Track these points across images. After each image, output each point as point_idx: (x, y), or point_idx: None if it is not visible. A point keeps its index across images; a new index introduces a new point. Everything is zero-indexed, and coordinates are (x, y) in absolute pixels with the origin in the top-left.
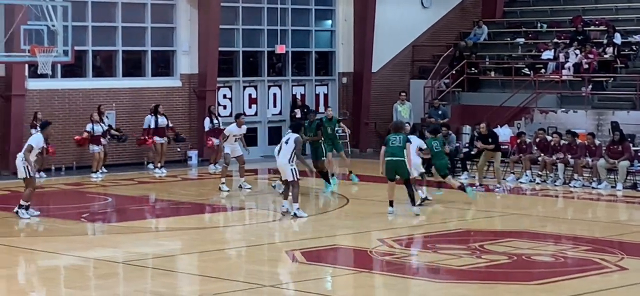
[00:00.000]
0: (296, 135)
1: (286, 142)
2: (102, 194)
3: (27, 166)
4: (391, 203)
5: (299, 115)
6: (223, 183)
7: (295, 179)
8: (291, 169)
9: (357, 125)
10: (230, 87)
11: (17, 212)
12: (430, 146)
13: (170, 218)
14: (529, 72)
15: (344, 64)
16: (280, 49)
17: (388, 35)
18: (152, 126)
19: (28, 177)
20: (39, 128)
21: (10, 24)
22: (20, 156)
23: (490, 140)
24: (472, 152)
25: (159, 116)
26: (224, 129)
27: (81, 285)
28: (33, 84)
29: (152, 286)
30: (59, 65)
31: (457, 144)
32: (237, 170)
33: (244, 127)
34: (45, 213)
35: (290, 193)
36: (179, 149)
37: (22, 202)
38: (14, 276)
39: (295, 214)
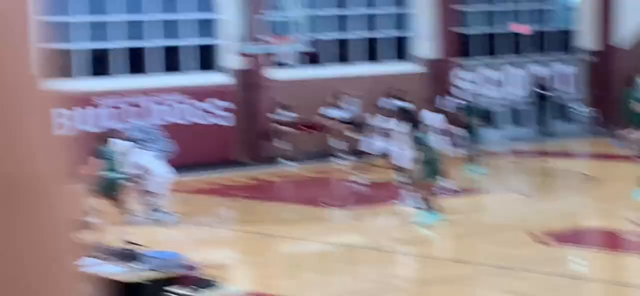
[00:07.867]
0: None
1: None
2: (349, 181)
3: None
4: None
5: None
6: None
7: None
8: None
9: (604, 104)
10: (470, 70)
11: None
12: None
13: None
14: None
15: (588, 41)
16: (522, 28)
17: (634, 11)
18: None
19: None
20: None
21: (252, 16)
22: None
23: None
24: None
25: (395, 100)
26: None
27: (326, 269)
28: (275, 74)
29: (390, 270)
30: (299, 55)
31: None
32: None
33: None
34: (293, 200)
35: None
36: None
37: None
38: (262, 263)
39: None
